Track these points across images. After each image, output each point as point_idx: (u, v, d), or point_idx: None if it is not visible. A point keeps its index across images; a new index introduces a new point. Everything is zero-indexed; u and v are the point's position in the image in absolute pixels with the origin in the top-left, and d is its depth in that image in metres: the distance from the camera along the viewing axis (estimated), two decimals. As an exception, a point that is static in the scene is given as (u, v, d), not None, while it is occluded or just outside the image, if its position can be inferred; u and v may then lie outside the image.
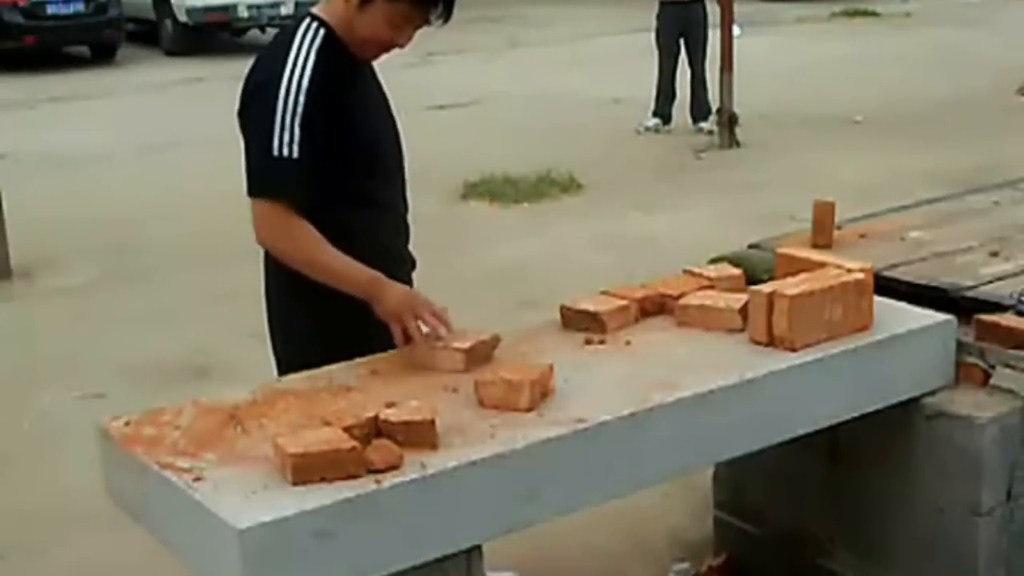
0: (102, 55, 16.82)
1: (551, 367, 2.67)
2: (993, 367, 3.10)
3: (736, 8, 10.57)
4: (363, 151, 2.86)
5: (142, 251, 7.78)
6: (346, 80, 2.81)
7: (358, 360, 2.84)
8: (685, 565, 3.78)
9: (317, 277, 2.78)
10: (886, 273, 3.32)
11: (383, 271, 2.85)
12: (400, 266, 3.06)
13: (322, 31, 2.79)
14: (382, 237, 3.01)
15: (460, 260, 7.30)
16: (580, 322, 3.01)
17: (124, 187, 9.47)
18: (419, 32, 2.83)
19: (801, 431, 2.88)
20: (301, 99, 2.70)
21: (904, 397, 3.03)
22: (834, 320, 2.89)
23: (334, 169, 2.78)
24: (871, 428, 3.04)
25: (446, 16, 2.83)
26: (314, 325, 2.89)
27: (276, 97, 2.69)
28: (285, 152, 2.69)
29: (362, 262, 2.82)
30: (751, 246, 3.69)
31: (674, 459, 2.69)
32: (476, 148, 10.26)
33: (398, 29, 2.78)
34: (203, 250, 7.53)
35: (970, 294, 3.25)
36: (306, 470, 2.26)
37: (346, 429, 2.35)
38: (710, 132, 10.71)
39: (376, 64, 2.98)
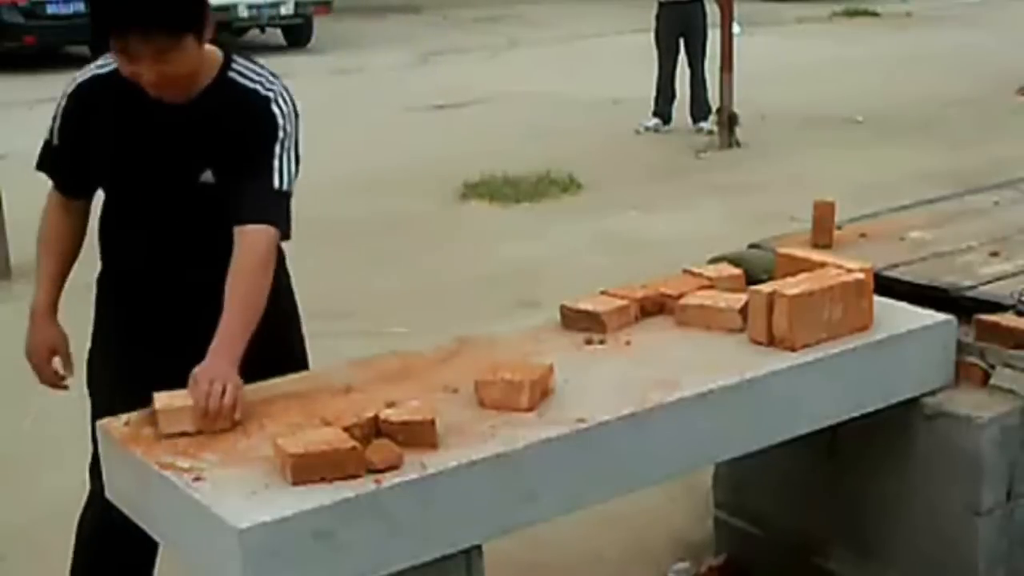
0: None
1: (551, 367, 2.67)
2: (993, 367, 3.10)
3: (736, 8, 10.56)
4: (103, 175, 2.84)
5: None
6: (112, 109, 2.76)
7: (358, 360, 2.84)
8: (685, 565, 3.78)
9: None
10: (886, 273, 3.32)
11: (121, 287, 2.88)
12: (145, 292, 2.90)
13: (101, 71, 2.79)
14: (125, 257, 2.91)
15: (460, 260, 7.31)
16: (580, 322, 3.01)
17: (124, 187, 9.47)
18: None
19: (801, 431, 2.88)
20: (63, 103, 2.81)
21: (904, 397, 3.03)
22: (834, 320, 2.89)
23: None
24: (871, 428, 3.04)
25: (169, 30, 2.57)
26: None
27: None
28: (50, 137, 2.83)
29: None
30: (751, 246, 3.68)
31: (674, 459, 2.69)
32: (476, 148, 10.26)
33: (131, 64, 2.61)
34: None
35: (970, 294, 3.25)
36: (306, 470, 2.26)
37: (346, 429, 2.35)
38: (710, 132, 10.71)
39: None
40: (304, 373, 2.79)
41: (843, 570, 3.36)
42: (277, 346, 2.82)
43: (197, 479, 2.30)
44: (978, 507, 3.04)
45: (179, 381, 2.51)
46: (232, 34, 18.32)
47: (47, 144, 2.84)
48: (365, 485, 2.26)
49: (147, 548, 2.93)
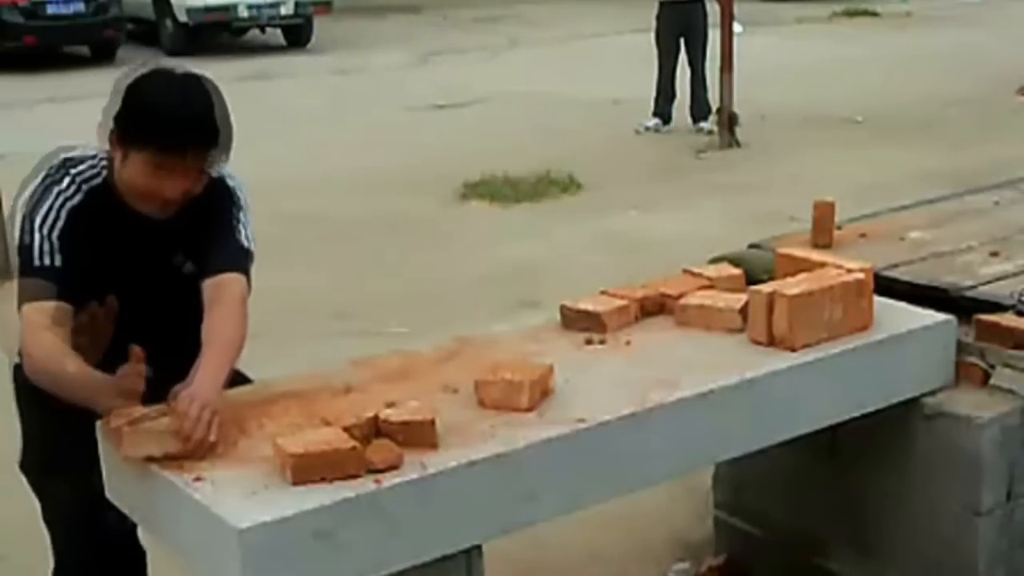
0: (102, 55, 16.79)
1: (551, 367, 2.67)
2: (993, 367, 3.10)
3: (736, 8, 10.56)
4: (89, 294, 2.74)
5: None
6: (103, 230, 2.67)
7: (358, 360, 2.84)
8: (685, 565, 3.78)
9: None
10: (886, 273, 3.32)
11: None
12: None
13: (93, 183, 2.69)
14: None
15: (460, 260, 7.31)
16: (580, 322, 3.01)
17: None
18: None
19: (801, 431, 2.88)
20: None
21: (904, 397, 3.03)
22: (834, 320, 2.89)
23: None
24: (871, 428, 3.04)
25: (218, 152, 2.62)
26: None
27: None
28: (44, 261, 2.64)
29: None
30: (751, 246, 3.68)
31: (674, 459, 2.69)
32: (476, 148, 10.26)
33: (159, 179, 2.58)
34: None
35: (970, 294, 3.25)
36: (306, 470, 2.26)
37: (346, 429, 2.35)
38: (710, 132, 10.71)
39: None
40: (304, 373, 2.79)
41: (843, 570, 3.36)
42: None
43: (197, 479, 2.30)
44: (978, 507, 3.04)
45: None
46: (232, 34, 18.34)
47: (46, 269, 2.63)
48: (365, 485, 2.26)
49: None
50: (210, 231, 2.72)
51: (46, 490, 2.89)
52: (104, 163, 2.71)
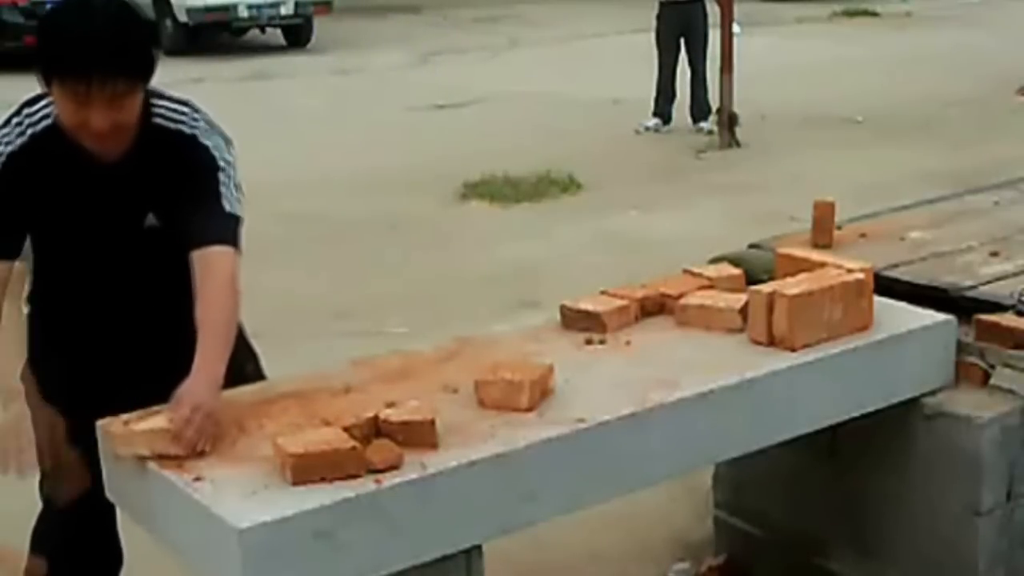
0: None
1: (551, 367, 2.67)
2: (993, 367, 3.10)
3: (736, 8, 10.56)
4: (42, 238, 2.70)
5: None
6: (51, 177, 2.62)
7: (358, 360, 2.84)
8: (685, 565, 3.78)
9: None
10: (886, 273, 3.32)
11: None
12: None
13: (36, 128, 2.62)
14: (57, 345, 2.80)
15: (460, 260, 7.31)
16: (580, 322, 3.01)
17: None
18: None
19: (801, 431, 2.88)
20: None
21: (904, 397, 3.03)
22: (834, 320, 2.89)
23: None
24: (871, 428, 3.04)
25: (129, 77, 2.50)
26: None
27: None
28: None
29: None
30: (751, 246, 3.68)
31: (674, 459, 2.69)
32: (476, 148, 10.26)
33: (79, 110, 2.49)
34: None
35: (970, 294, 3.25)
36: (306, 470, 2.26)
37: (346, 429, 2.35)
38: (710, 132, 10.71)
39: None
40: (304, 373, 2.79)
41: (843, 570, 3.36)
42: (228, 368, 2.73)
43: (197, 479, 2.30)
44: (978, 507, 3.04)
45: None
46: (232, 34, 18.35)
47: None
48: (365, 485, 2.26)
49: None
50: (185, 192, 2.62)
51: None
52: (52, 106, 2.61)
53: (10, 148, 2.60)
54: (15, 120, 2.62)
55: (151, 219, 2.67)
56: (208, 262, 2.59)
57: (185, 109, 2.71)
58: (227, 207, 2.65)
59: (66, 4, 2.58)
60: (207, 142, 2.68)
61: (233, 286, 2.60)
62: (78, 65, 2.45)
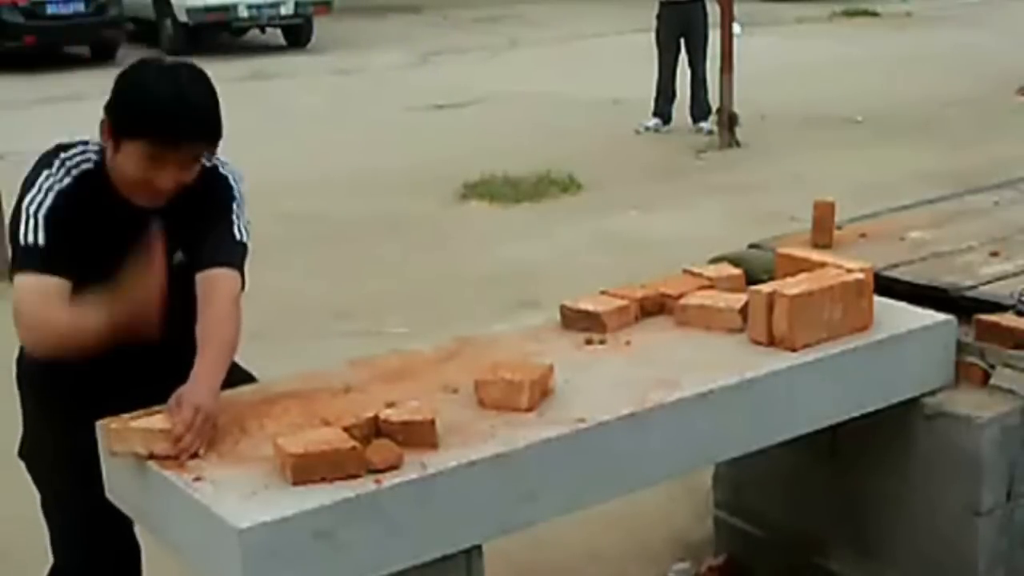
0: (102, 55, 16.79)
1: (551, 367, 2.67)
2: (993, 367, 3.10)
3: (736, 8, 10.57)
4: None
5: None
6: (93, 218, 2.63)
7: (358, 360, 2.84)
8: (685, 565, 3.78)
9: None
10: (886, 273, 3.32)
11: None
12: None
13: (83, 167, 2.65)
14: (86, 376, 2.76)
15: (460, 260, 7.31)
16: (580, 322, 3.01)
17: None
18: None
19: (801, 431, 2.88)
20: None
21: (904, 397, 3.03)
22: (834, 320, 2.89)
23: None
24: (871, 428, 3.04)
25: (210, 143, 2.60)
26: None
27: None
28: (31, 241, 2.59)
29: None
30: (751, 246, 3.68)
31: (674, 459, 2.69)
32: (476, 148, 10.26)
33: (152, 170, 2.55)
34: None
35: (970, 294, 3.25)
36: (306, 470, 2.26)
37: (346, 429, 2.35)
38: (710, 132, 10.71)
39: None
40: (304, 373, 2.79)
41: (843, 570, 3.36)
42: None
43: (197, 479, 2.30)
44: (978, 507, 3.04)
45: None
46: (232, 34, 18.35)
47: (28, 247, 2.58)
48: (365, 485, 2.26)
49: None
50: (205, 221, 2.70)
51: (45, 479, 2.88)
52: (97, 150, 2.67)
53: (60, 186, 2.63)
54: (56, 163, 2.65)
55: (180, 256, 2.71)
56: (213, 283, 2.65)
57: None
58: (237, 236, 2.73)
59: (147, 65, 2.62)
60: (226, 173, 2.77)
61: (235, 307, 2.64)
62: (169, 130, 2.52)
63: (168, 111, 2.52)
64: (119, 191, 2.64)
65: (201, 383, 2.48)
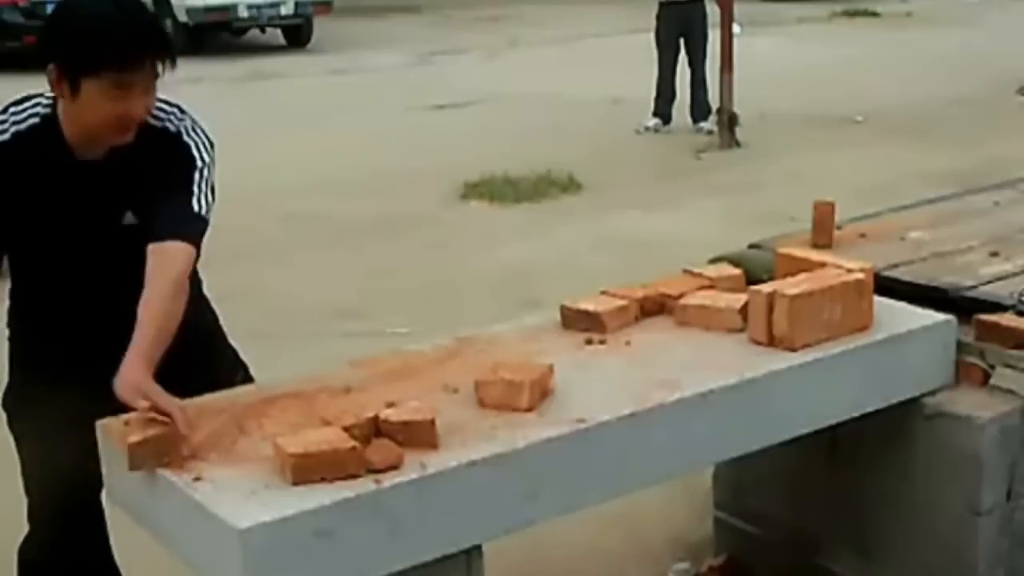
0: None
1: (551, 367, 2.67)
2: (993, 367, 3.10)
3: (736, 8, 10.57)
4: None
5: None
6: (33, 176, 2.60)
7: (358, 360, 2.84)
8: (685, 565, 3.78)
9: None
10: (886, 273, 3.32)
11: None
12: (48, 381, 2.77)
13: (19, 127, 2.60)
14: (37, 341, 2.81)
15: (460, 260, 7.31)
16: (580, 322, 3.01)
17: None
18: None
19: (801, 431, 2.88)
20: None
21: (904, 397, 3.03)
22: (834, 320, 2.89)
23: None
24: (871, 428, 3.04)
25: (168, 53, 2.54)
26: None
27: None
28: None
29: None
30: (751, 246, 3.68)
31: (674, 459, 2.69)
32: (476, 148, 10.26)
33: (121, 101, 2.50)
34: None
35: (970, 294, 3.25)
36: (306, 470, 2.25)
37: (346, 429, 2.35)
38: (710, 132, 10.72)
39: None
40: (304, 373, 2.79)
41: (843, 570, 3.36)
42: (198, 364, 2.75)
43: (197, 479, 2.30)
44: (978, 507, 3.04)
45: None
46: (232, 34, 18.35)
47: None
48: (365, 485, 2.26)
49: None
50: (163, 189, 2.61)
51: (18, 432, 2.86)
52: (47, 102, 2.60)
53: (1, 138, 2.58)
54: (2, 117, 2.61)
55: (129, 217, 2.66)
56: (162, 255, 2.56)
57: (172, 108, 2.71)
58: (196, 207, 2.63)
59: (75, 2, 2.55)
60: (189, 140, 2.68)
61: (182, 285, 2.57)
62: (131, 52, 2.46)
63: (123, 34, 2.45)
64: (68, 143, 2.58)
65: (140, 363, 2.41)
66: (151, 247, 2.57)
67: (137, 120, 2.55)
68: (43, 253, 2.72)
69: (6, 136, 2.59)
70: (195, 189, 2.64)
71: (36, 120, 2.61)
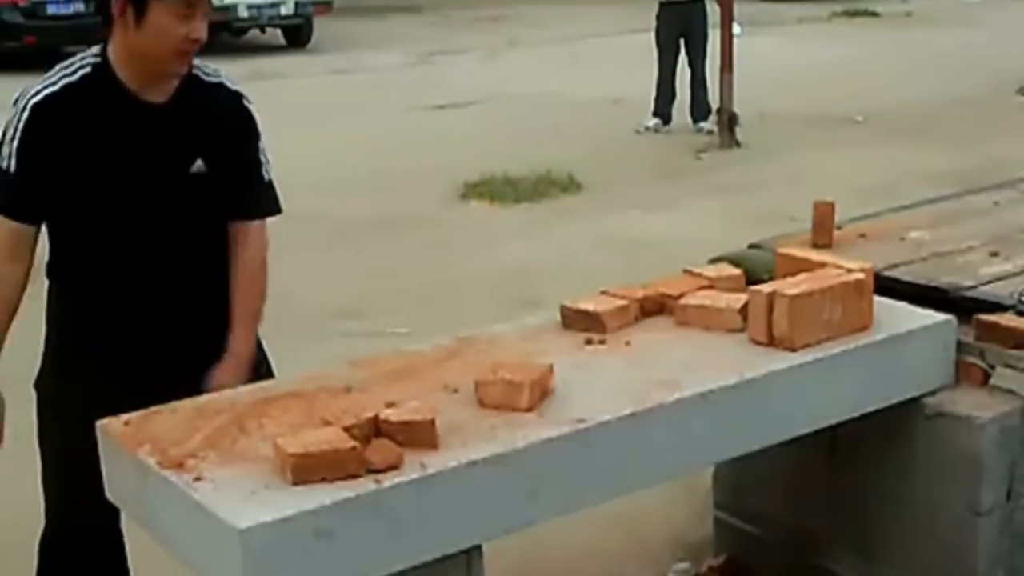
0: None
1: (551, 367, 2.67)
2: (993, 367, 3.10)
3: (736, 8, 10.57)
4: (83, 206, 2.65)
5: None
6: (89, 126, 2.59)
7: (358, 360, 2.84)
8: (685, 565, 3.78)
9: None
10: (886, 273, 3.32)
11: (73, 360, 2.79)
12: (116, 356, 2.76)
13: (70, 79, 2.59)
14: (90, 317, 2.77)
15: (460, 260, 7.31)
16: (580, 322, 3.01)
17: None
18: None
19: (801, 431, 2.88)
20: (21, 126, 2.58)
21: (904, 397, 3.03)
22: (834, 320, 2.89)
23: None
24: (871, 428, 3.04)
25: None
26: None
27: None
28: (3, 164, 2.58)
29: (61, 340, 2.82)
30: (751, 246, 3.68)
31: (674, 459, 2.69)
32: (476, 148, 10.26)
33: (187, 22, 2.55)
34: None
35: (970, 294, 3.25)
36: (306, 470, 2.25)
37: (346, 429, 2.35)
38: (710, 132, 10.72)
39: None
40: (304, 373, 2.79)
41: (843, 570, 3.36)
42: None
43: (197, 479, 2.30)
44: (978, 507, 3.04)
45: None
46: (232, 34, 18.34)
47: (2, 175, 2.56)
48: (365, 485, 2.26)
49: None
50: (232, 150, 2.75)
51: (47, 419, 2.87)
52: (92, 55, 2.62)
53: (35, 99, 2.57)
54: (49, 74, 2.64)
55: (199, 165, 2.70)
56: (250, 237, 2.80)
57: (216, 68, 2.80)
58: (266, 176, 2.85)
59: None
60: (251, 107, 2.82)
61: (265, 264, 2.83)
62: None
63: None
64: (125, 87, 2.59)
65: (241, 360, 2.70)
66: (237, 226, 2.77)
67: (200, 44, 2.60)
68: (98, 213, 2.66)
69: (56, 87, 2.59)
70: (261, 159, 2.84)
71: (88, 69, 2.62)
